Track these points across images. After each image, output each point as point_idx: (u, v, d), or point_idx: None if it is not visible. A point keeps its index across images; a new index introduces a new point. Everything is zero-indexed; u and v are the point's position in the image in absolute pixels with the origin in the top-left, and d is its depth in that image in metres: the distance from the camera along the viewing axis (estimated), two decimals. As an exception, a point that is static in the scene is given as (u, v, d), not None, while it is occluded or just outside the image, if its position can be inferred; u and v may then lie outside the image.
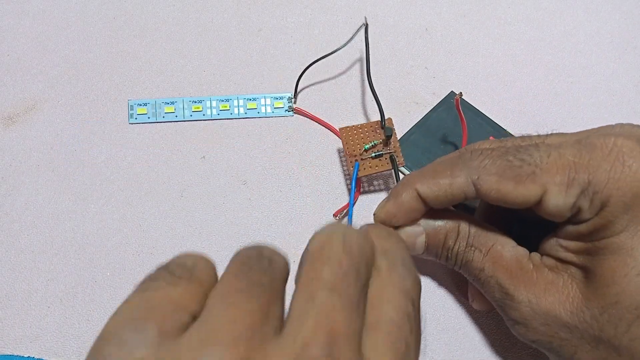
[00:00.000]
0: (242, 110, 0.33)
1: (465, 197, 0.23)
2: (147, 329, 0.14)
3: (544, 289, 0.22)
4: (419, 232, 0.24)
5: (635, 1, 0.38)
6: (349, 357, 0.14)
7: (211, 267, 0.17)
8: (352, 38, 0.33)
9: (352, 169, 0.29)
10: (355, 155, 0.29)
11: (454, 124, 0.32)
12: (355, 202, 0.30)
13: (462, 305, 0.27)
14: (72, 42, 0.36)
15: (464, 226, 0.24)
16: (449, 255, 0.24)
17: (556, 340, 0.22)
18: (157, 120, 0.32)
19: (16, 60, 0.35)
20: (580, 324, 0.21)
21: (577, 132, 0.23)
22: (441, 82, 0.35)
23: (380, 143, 0.29)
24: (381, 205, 0.24)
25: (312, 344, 0.14)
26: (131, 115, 0.32)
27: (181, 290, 0.15)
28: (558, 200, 0.21)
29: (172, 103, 0.33)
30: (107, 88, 0.34)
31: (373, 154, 0.29)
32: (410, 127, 0.32)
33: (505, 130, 0.32)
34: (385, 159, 0.29)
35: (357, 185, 0.30)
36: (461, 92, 0.29)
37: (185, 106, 0.33)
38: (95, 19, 0.37)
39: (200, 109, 0.33)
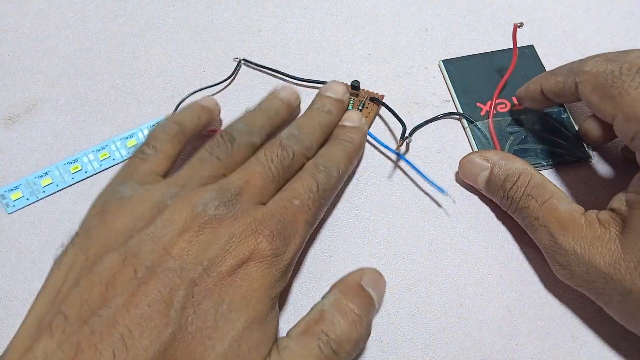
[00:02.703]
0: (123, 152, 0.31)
1: (572, 95, 0.28)
2: (129, 182, 0.24)
3: (590, 242, 0.24)
4: (484, 167, 0.29)
5: (636, 1, 0.38)
6: (252, 198, 0.23)
7: (175, 141, 0.27)
8: (233, 76, 0.34)
9: None
10: None
11: (514, 69, 0.32)
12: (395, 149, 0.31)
13: (462, 305, 0.27)
14: (72, 42, 0.36)
15: (525, 175, 0.27)
16: (505, 195, 0.28)
17: (594, 287, 0.24)
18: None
19: (16, 60, 0.35)
20: (616, 275, 0.23)
21: None
22: (441, 82, 0.35)
23: (355, 99, 0.33)
24: (520, 89, 0.32)
25: (230, 184, 0.23)
26: (6, 205, 0.30)
27: (149, 163, 0.26)
28: (618, 128, 0.25)
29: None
30: (107, 88, 0.34)
31: (359, 108, 0.32)
32: (474, 53, 0.35)
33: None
34: (369, 103, 0.33)
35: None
36: (522, 23, 0.30)
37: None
38: (95, 19, 0.37)
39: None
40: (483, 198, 0.30)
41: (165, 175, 0.26)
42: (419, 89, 0.34)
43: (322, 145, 0.29)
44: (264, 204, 0.24)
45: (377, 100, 0.33)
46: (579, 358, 0.26)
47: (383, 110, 0.33)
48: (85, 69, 0.35)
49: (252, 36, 0.36)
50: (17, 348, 0.20)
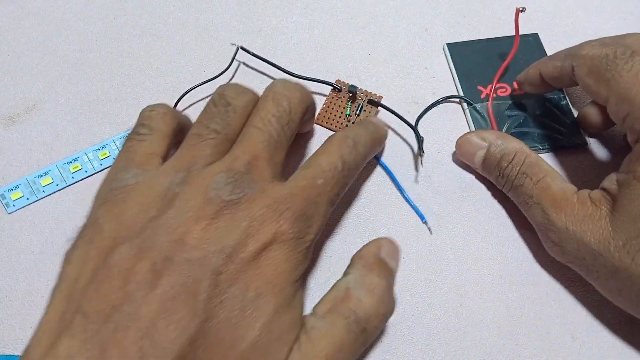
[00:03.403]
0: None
1: (569, 79, 0.28)
2: (130, 168, 0.23)
3: (582, 220, 0.24)
4: (481, 146, 0.29)
5: (636, 1, 0.38)
6: (264, 174, 0.22)
7: (168, 118, 0.25)
8: (230, 64, 0.34)
9: None
10: (348, 124, 0.31)
11: (516, 56, 0.33)
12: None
13: (462, 305, 0.27)
14: (72, 42, 0.36)
15: (521, 155, 0.28)
16: (500, 174, 0.28)
17: (584, 264, 0.25)
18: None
19: (16, 60, 0.35)
20: (605, 252, 0.23)
21: None
22: (441, 82, 0.35)
23: (351, 102, 0.32)
24: (520, 74, 0.32)
25: (237, 162, 0.22)
26: (6, 205, 0.30)
27: (147, 144, 0.24)
28: (611, 110, 0.26)
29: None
30: (107, 88, 0.34)
31: (357, 112, 0.32)
32: (479, 38, 0.35)
33: None
34: (368, 106, 0.32)
35: None
36: (524, 7, 0.31)
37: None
38: (95, 19, 0.37)
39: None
40: (483, 198, 0.30)
41: (164, 156, 0.24)
42: (419, 89, 0.34)
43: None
44: (277, 173, 0.23)
45: (375, 103, 0.32)
46: (579, 358, 0.26)
47: (383, 112, 0.33)
48: (86, 69, 0.35)
49: (252, 36, 0.36)
50: (36, 349, 0.19)
